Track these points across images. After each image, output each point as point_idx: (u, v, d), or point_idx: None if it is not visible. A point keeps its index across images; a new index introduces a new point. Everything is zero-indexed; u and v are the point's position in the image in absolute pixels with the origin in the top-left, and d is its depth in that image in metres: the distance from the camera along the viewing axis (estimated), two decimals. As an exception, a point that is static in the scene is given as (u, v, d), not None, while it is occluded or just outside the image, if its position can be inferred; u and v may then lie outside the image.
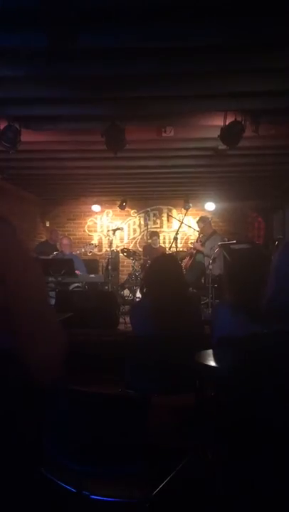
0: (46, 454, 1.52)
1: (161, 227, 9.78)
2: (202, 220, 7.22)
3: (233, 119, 4.23)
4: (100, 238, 9.80)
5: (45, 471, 1.52)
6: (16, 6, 2.52)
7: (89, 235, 9.83)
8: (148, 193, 9.01)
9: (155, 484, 1.47)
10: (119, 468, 1.43)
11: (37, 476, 1.46)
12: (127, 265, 8.91)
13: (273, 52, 3.11)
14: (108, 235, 9.10)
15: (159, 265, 2.56)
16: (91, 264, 7.75)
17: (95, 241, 9.56)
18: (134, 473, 1.42)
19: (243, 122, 4.23)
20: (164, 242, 9.33)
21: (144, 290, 2.86)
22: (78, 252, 7.18)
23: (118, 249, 8.90)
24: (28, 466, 1.20)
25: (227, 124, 4.25)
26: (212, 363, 2.01)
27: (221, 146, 4.76)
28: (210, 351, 2.15)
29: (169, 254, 6.34)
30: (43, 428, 1.52)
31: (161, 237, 9.32)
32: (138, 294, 6.28)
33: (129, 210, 9.64)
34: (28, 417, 1.20)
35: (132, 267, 7.61)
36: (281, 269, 1.27)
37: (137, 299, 6.10)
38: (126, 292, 7.22)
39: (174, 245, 6.38)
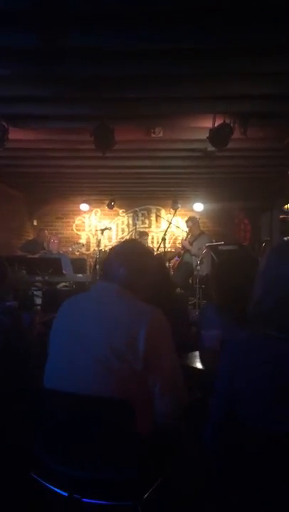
0: (36, 458, 1.51)
1: (149, 227, 9.78)
2: (191, 220, 7.25)
3: (221, 121, 4.26)
4: (88, 237, 9.78)
5: (36, 475, 1.52)
6: (5, 6, 2.50)
7: (77, 234, 9.80)
8: (137, 193, 9.01)
9: (146, 487, 1.47)
10: (110, 472, 1.43)
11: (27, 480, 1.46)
12: (115, 265, 8.88)
13: (262, 56, 3.13)
14: (96, 234, 9.07)
15: None
16: (79, 264, 7.71)
17: (82, 240, 9.53)
18: (125, 476, 1.41)
19: (231, 125, 4.26)
20: (152, 242, 9.33)
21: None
22: (66, 250, 7.14)
23: (106, 248, 8.88)
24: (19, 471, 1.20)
25: (216, 126, 4.28)
26: (198, 365, 2.02)
27: (210, 148, 4.79)
28: (196, 353, 2.16)
29: (155, 256, 6.34)
30: (33, 432, 1.52)
31: (150, 237, 9.33)
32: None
33: (118, 209, 9.63)
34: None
35: (120, 266, 7.56)
36: (268, 274, 1.28)
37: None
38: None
39: (162, 246, 6.40)
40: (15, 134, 4.52)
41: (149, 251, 1.92)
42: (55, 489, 1.47)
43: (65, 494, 1.45)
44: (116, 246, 1.86)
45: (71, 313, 1.65)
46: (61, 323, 1.65)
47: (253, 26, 2.74)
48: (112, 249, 1.86)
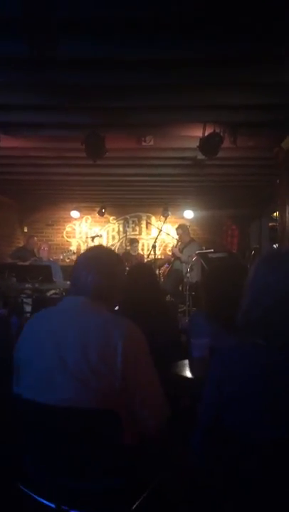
0: (24, 470, 1.50)
1: (140, 234, 9.80)
2: (181, 228, 7.28)
3: (211, 130, 4.30)
4: (79, 244, 9.76)
5: (23, 486, 1.50)
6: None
7: (67, 241, 9.78)
8: (127, 200, 9.03)
9: (135, 497, 1.46)
10: (97, 483, 1.41)
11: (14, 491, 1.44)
12: (105, 272, 8.85)
13: (253, 67, 3.18)
14: (87, 242, 9.07)
15: (133, 276, 2.57)
16: (69, 271, 7.66)
17: (73, 247, 9.51)
18: (113, 486, 1.40)
19: (221, 134, 4.30)
20: (142, 250, 9.35)
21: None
22: (57, 258, 7.13)
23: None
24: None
25: (206, 135, 4.32)
26: (188, 374, 2.02)
27: (200, 156, 4.83)
28: (186, 361, 2.16)
29: (144, 263, 6.35)
30: (20, 444, 1.51)
31: (140, 245, 9.35)
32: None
33: (108, 216, 9.65)
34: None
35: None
36: (256, 283, 1.29)
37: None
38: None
39: (152, 253, 6.40)
40: (6, 142, 4.53)
41: (116, 256, 1.85)
42: (43, 501, 1.45)
43: (53, 506, 1.43)
44: (83, 254, 1.80)
45: (49, 324, 1.57)
46: (38, 333, 1.57)
47: (243, 38, 2.79)
48: (79, 257, 1.80)
